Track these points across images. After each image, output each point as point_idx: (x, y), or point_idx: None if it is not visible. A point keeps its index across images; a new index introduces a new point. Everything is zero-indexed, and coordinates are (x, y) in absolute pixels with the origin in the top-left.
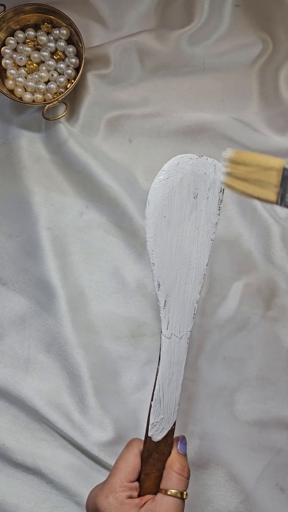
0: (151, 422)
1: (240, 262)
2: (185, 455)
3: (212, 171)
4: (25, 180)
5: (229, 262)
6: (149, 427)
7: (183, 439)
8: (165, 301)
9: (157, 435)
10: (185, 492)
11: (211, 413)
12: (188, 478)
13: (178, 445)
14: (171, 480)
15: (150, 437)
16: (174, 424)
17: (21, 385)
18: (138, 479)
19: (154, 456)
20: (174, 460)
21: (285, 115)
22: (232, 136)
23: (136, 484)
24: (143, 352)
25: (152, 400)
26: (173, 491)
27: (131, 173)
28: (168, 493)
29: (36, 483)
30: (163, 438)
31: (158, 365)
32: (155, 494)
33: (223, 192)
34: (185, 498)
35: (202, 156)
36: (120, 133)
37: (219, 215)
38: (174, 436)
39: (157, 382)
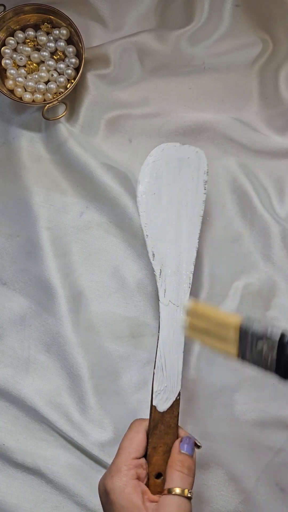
0: (154, 390)
1: (240, 262)
2: (188, 454)
3: (195, 157)
4: (25, 180)
5: (229, 262)
6: (153, 395)
7: (185, 439)
8: (160, 270)
9: (162, 405)
10: (186, 490)
11: (211, 413)
12: (192, 476)
13: (180, 445)
14: (172, 478)
15: (155, 407)
16: (179, 395)
17: (21, 385)
18: (145, 456)
19: (160, 428)
20: (174, 459)
21: (285, 115)
22: (232, 136)
23: (142, 460)
24: (143, 352)
25: (154, 368)
26: (176, 489)
27: (131, 173)
28: (172, 492)
29: (36, 483)
30: (168, 409)
31: (158, 332)
32: (164, 470)
33: (207, 174)
34: (190, 497)
35: (184, 144)
36: (120, 133)
37: (205, 193)
38: (179, 436)
39: (158, 349)
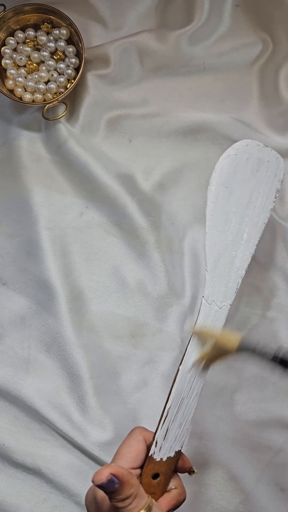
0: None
1: None
2: None
3: (274, 161)
4: (25, 180)
5: None
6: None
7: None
8: (212, 265)
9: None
10: None
11: (211, 413)
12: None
13: None
14: None
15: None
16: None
17: (21, 385)
18: (141, 467)
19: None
20: None
21: (285, 115)
22: (232, 136)
23: (137, 472)
24: (143, 352)
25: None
26: None
27: (131, 173)
28: None
29: (36, 483)
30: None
31: (187, 342)
32: (163, 471)
33: (281, 182)
34: None
35: (267, 146)
36: (120, 133)
37: (274, 202)
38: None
39: (178, 374)
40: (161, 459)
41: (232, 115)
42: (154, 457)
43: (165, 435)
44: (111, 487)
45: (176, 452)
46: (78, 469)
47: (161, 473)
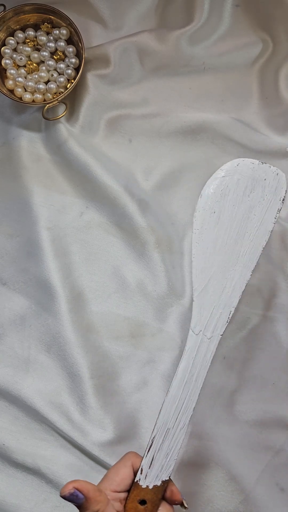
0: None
1: None
2: None
3: (272, 179)
4: (25, 180)
5: None
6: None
7: None
8: (199, 294)
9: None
10: None
11: (210, 413)
12: None
13: None
14: None
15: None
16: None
17: (21, 385)
18: (128, 491)
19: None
20: None
21: (285, 115)
22: (232, 136)
23: (122, 495)
24: (143, 352)
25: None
26: None
27: (131, 173)
28: None
29: (36, 483)
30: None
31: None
32: (150, 499)
33: (283, 201)
34: None
35: (265, 163)
36: (120, 133)
37: (274, 223)
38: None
39: (163, 405)
40: (147, 486)
41: (232, 115)
42: (140, 484)
43: (151, 464)
44: (76, 501)
45: (163, 481)
46: (78, 469)
47: (148, 500)
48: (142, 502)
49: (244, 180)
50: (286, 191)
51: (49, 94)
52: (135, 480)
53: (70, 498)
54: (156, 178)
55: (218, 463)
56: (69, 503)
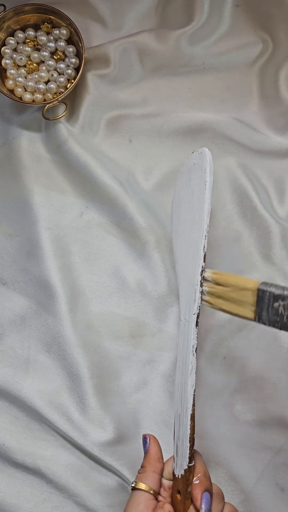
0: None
1: (240, 262)
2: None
3: (199, 159)
4: (25, 180)
5: (229, 262)
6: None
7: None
8: (178, 286)
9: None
10: None
11: (211, 413)
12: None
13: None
14: None
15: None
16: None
17: (21, 385)
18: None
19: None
20: None
21: (285, 115)
22: (232, 136)
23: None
24: (143, 352)
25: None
26: None
27: (131, 173)
28: None
29: (36, 483)
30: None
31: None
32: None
33: (207, 172)
34: None
35: (194, 151)
36: (120, 133)
37: (208, 196)
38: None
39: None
40: (178, 475)
41: (232, 115)
42: (175, 473)
43: (177, 452)
44: (143, 446)
45: (185, 470)
46: (78, 469)
47: (180, 490)
48: (178, 492)
49: (186, 176)
50: (209, 163)
51: (49, 94)
52: (172, 469)
53: (142, 441)
54: (156, 178)
55: (218, 463)
56: (69, 503)
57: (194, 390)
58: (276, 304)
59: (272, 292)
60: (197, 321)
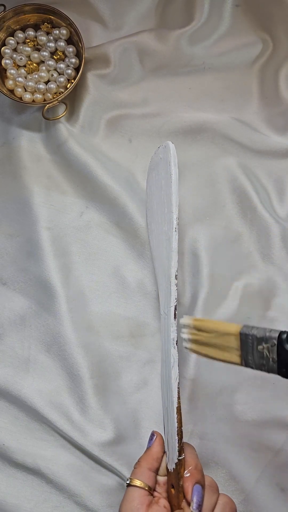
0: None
1: (240, 262)
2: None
3: (164, 153)
4: (25, 180)
5: (229, 262)
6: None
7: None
8: (157, 282)
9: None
10: None
11: (211, 413)
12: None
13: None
14: None
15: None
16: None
17: (21, 385)
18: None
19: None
20: None
21: (285, 115)
22: (232, 136)
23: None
24: (143, 352)
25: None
26: None
27: (131, 173)
28: None
29: (36, 483)
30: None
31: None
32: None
33: (172, 164)
34: None
35: (159, 146)
36: (120, 133)
37: (174, 188)
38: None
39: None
40: (171, 470)
41: (232, 115)
42: (168, 467)
43: (167, 446)
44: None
45: (176, 464)
46: (78, 469)
47: (173, 484)
48: (172, 486)
49: (154, 170)
50: (171, 154)
51: (49, 94)
52: (166, 464)
53: (150, 436)
54: None
55: (218, 463)
56: (69, 503)
57: (178, 383)
58: (260, 347)
59: (255, 335)
60: (175, 313)
